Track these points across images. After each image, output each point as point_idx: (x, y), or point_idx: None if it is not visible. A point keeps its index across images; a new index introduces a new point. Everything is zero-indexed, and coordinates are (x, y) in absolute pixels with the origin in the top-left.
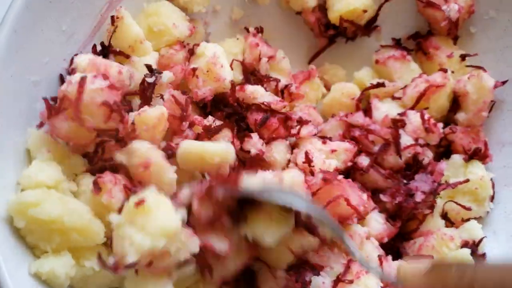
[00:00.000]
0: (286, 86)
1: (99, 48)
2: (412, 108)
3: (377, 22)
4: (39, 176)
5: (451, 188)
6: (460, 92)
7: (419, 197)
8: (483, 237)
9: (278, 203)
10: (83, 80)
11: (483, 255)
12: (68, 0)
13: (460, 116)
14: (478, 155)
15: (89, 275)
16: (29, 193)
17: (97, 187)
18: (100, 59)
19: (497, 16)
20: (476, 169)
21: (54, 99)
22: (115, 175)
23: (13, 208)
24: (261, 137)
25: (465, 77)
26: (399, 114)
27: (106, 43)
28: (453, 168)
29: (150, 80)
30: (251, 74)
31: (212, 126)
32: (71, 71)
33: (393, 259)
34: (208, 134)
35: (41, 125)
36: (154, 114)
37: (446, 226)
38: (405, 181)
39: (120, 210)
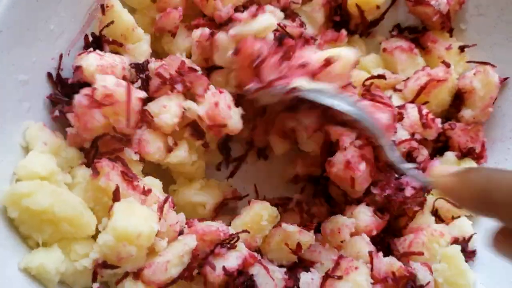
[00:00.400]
0: (311, 37)
1: (91, 39)
2: (412, 101)
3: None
4: (34, 166)
5: None
6: (465, 88)
7: (409, 192)
8: (474, 233)
9: (324, 103)
10: (129, 87)
11: (474, 252)
12: (56, 0)
13: (466, 113)
14: (472, 154)
15: (80, 271)
16: (22, 184)
17: (95, 171)
18: (104, 59)
19: (486, 13)
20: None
21: (50, 97)
22: (112, 162)
23: (6, 199)
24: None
25: (470, 73)
26: (398, 107)
27: (97, 33)
28: (445, 165)
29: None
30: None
31: None
32: (76, 69)
33: (384, 256)
34: None
35: (66, 109)
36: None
37: (436, 223)
38: (396, 175)
39: (115, 195)
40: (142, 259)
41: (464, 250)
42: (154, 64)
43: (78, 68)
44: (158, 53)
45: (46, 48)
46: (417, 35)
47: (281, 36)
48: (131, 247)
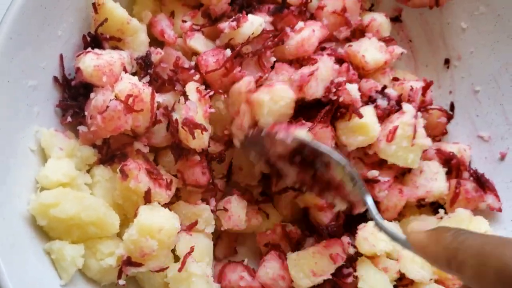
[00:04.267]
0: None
1: (89, 39)
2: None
3: None
4: (56, 175)
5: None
6: None
7: None
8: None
9: (321, 151)
10: (153, 90)
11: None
12: (63, 6)
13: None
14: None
15: (105, 268)
16: (47, 194)
17: (124, 174)
18: (102, 58)
19: (487, 11)
20: (480, 225)
21: (58, 105)
22: (136, 161)
23: (34, 209)
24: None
25: None
26: None
27: (93, 32)
28: (455, 222)
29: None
30: None
31: None
32: (76, 71)
33: None
34: None
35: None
36: None
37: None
38: None
39: (147, 195)
40: (164, 257)
41: None
42: (154, 57)
43: (78, 70)
44: (157, 40)
45: (54, 53)
46: None
47: (279, 7)
48: (153, 242)
